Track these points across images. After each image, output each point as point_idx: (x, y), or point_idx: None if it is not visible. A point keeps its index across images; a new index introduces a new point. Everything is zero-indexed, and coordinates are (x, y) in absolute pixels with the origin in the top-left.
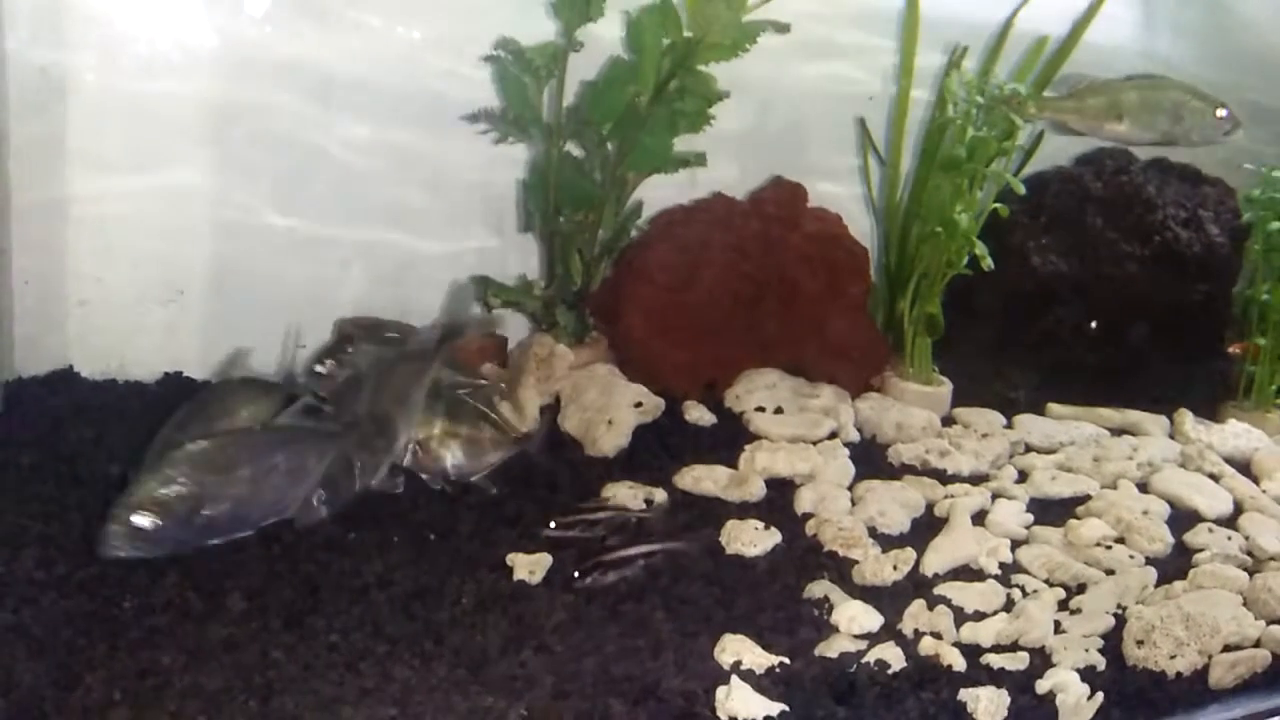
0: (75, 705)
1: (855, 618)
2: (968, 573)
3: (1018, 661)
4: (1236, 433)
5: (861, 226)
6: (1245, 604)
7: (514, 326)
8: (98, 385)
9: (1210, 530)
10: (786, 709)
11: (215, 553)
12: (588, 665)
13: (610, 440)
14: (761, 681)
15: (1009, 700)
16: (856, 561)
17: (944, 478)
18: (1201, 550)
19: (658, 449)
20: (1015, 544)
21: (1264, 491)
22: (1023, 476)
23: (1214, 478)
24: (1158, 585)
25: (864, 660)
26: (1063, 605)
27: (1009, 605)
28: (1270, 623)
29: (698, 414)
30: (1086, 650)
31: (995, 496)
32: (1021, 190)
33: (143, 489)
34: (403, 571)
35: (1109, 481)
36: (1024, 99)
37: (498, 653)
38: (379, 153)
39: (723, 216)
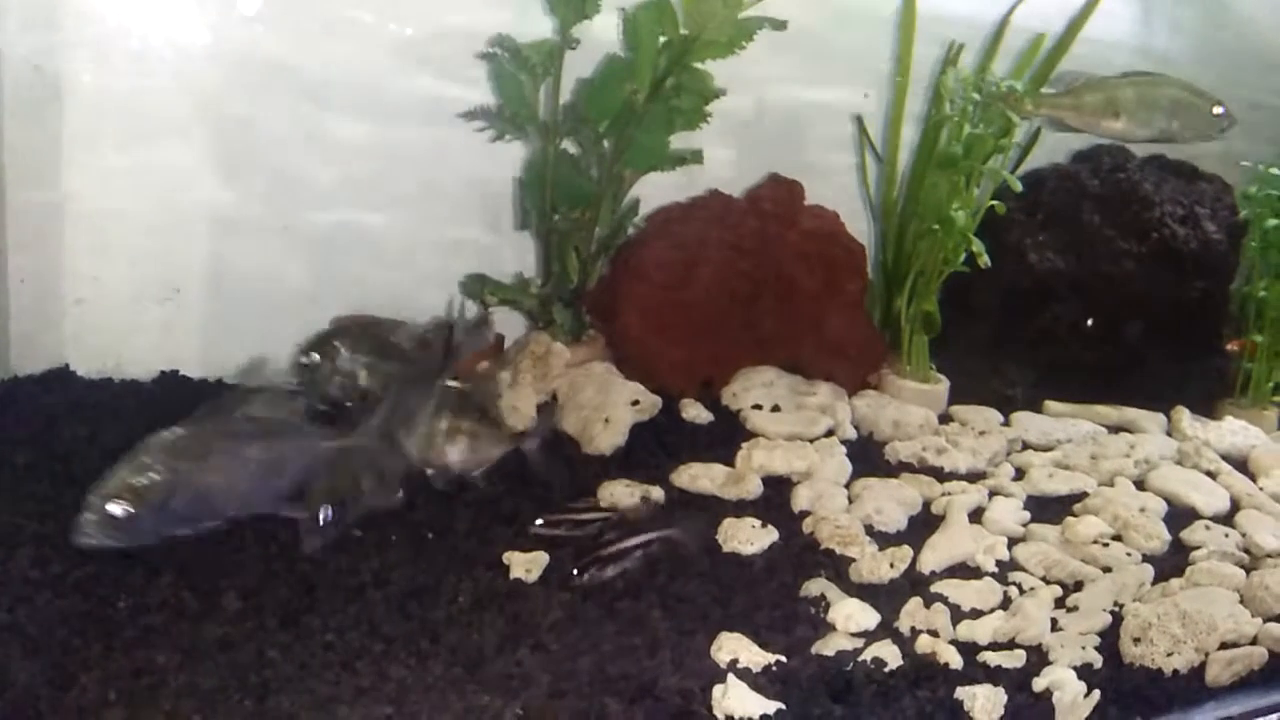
0: (70, 705)
1: (852, 616)
2: (965, 570)
3: (1014, 659)
4: (1234, 430)
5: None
6: (1242, 601)
7: (511, 324)
8: (94, 384)
9: (1207, 527)
10: (783, 707)
11: (210, 551)
12: (584, 664)
13: (607, 438)
14: (758, 680)
15: (1005, 698)
16: (853, 559)
17: (941, 475)
18: (1198, 547)
19: (655, 447)
20: (1012, 541)
21: (1261, 488)
22: (1020, 474)
23: (1211, 475)
24: (1155, 583)
25: (861, 658)
26: (1060, 603)
27: (1006, 603)
28: (1267, 620)
29: (695, 412)
30: (1083, 648)
31: (992, 494)
32: (1018, 187)
33: (116, 477)
34: (399, 570)
35: (1106, 479)
36: (1021, 96)
37: (494, 651)
38: (376, 151)
39: (720, 214)
